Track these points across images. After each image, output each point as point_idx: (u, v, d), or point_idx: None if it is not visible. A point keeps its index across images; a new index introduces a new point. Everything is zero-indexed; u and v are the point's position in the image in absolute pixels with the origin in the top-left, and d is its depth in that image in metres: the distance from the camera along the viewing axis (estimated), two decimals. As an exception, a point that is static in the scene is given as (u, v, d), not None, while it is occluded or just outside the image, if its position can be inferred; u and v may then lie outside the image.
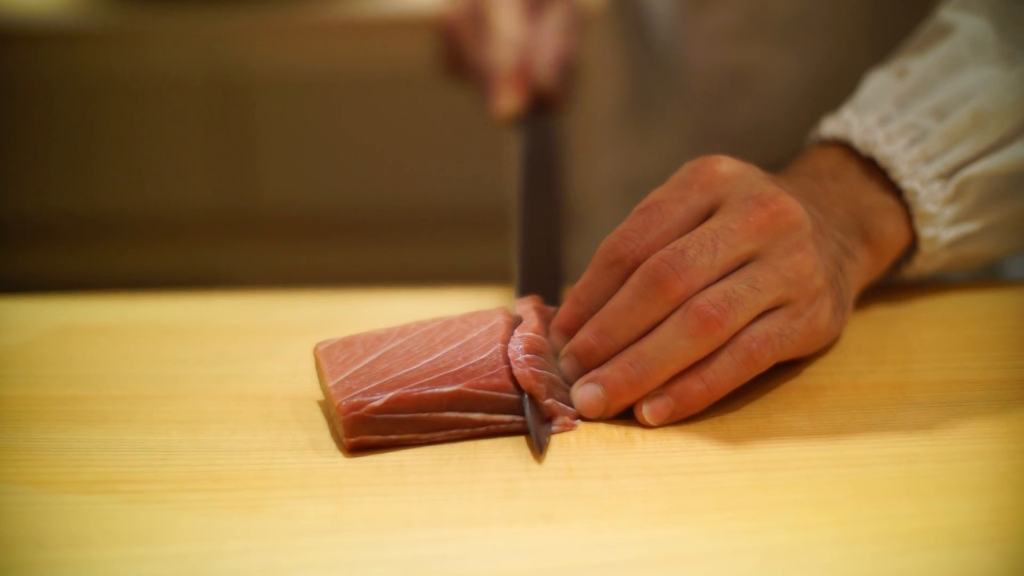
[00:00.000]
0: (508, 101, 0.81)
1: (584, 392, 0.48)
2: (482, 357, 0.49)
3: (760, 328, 0.48)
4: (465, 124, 1.77)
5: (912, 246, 0.58)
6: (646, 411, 0.48)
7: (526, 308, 0.52)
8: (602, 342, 0.49)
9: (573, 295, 0.50)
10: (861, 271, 0.56)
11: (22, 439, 0.49)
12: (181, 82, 1.77)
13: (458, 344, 0.49)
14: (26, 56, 1.76)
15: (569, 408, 0.49)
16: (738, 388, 0.49)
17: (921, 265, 0.59)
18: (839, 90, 0.65)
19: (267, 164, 1.81)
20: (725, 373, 0.48)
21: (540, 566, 0.39)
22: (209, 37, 1.76)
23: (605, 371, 0.48)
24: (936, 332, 0.58)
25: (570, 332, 0.50)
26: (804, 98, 0.77)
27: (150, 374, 0.56)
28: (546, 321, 0.52)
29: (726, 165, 0.51)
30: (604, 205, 0.91)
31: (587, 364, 0.49)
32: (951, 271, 0.61)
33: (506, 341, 0.50)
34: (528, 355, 0.49)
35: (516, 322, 0.52)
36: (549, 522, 0.41)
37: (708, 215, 0.50)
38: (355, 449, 0.47)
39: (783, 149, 0.70)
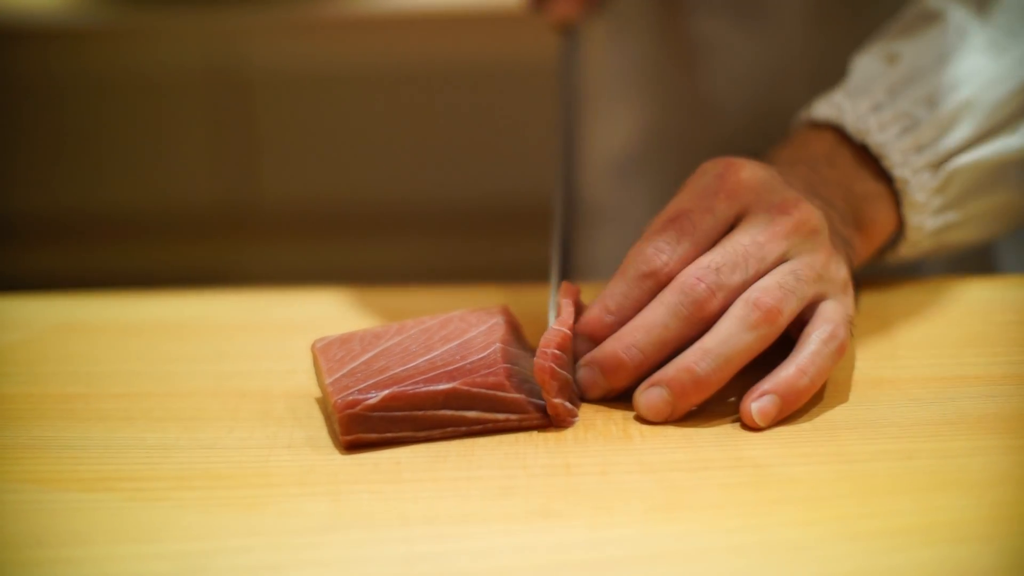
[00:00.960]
0: (569, 9, 0.81)
1: (649, 396, 0.48)
2: (480, 356, 0.49)
3: (837, 312, 0.49)
4: (467, 121, 1.78)
5: (898, 233, 0.59)
6: (755, 412, 0.47)
7: (567, 301, 0.51)
8: (632, 357, 0.49)
9: (603, 304, 0.50)
10: (857, 259, 0.57)
11: (22, 437, 0.49)
12: (183, 79, 1.77)
13: (456, 343, 0.49)
14: (28, 54, 1.76)
15: (574, 410, 0.49)
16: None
17: (905, 252, 0.60)
18: (788, 72, 0.66)
19: (269, 161, 1.81)
20: (823, 363, 0.48)
21: (538, 563, 0.39)
22: (211, 34, 1.76)
23: (669, 373, 0.48)
24: (935, 328, 0.58)
25: (596, 340, 0.50)
26: (756, 76, 0.78)
27: (150, 372, 0.56)
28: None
29: (748, 172, 0.51)
30: (591, 185, 0.91)
31: (611, 377, 0.49)
32: (931, 257, 0.63)
33: (505, 341, 0.50)
34: (556, 351, 0.48)
35: (514, 322, 0.52)
36: (547, 519, 0.41)
37: (734, 223, 0.50)
38: (351, 447, 0.47)
39: (735, 122, 0.71)
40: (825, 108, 0.60)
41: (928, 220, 0.59)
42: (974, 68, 0.58)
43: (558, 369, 0.48)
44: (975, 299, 0.61)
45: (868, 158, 0.58)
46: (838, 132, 0.59)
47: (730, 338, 0.47)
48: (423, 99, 1.77)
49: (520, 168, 1.73)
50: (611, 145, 0.88)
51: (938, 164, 0.58)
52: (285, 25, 1.76)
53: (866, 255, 0.59)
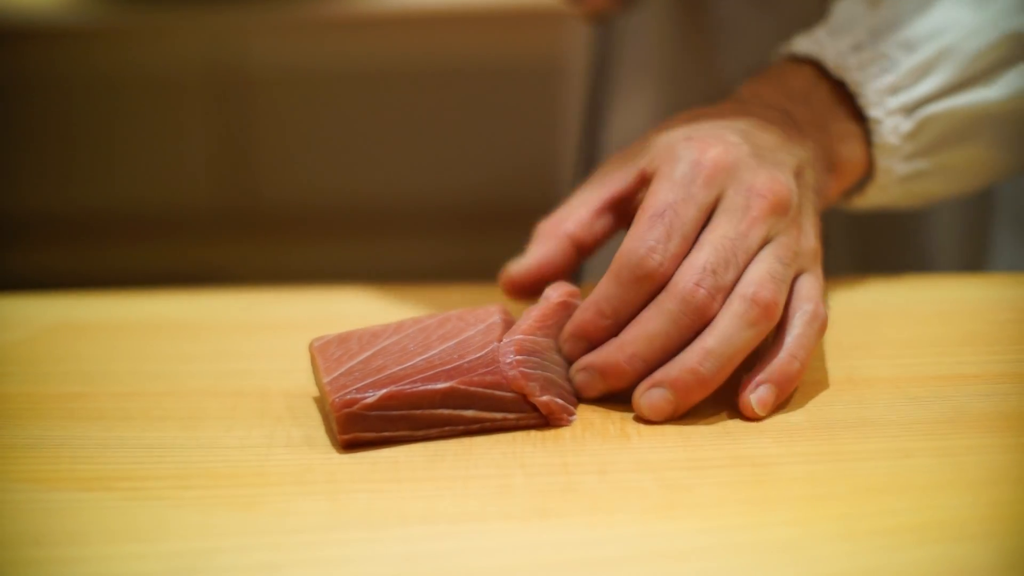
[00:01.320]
0: (605, 0, 0.82)
1: (651, 397, 0.48)
2: (477, 355, 0.48)
3: (814, 288, 0.50)
4: (469, 120, 1.78)
5: (867, 176, 0.60)
6: (755, 403, 0.48)
7: (540, 305, 0.51)
8: (634, 366, 0.48)
9: (596, 307, 0.50)
10: (827, 201, 0.58)
11: (20, 436, 0.49)
12: (180, 79, 1.77)
13: (454, 342, 0.49)
14: (24, 54, 1.76)
15: (568, 406, 0.49)
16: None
17: (873, 196, 0.61)
18: None
19: (266, 161, 1.81)
20: (809, 344, 0.49)
21: (536, 562, 0.39)
22: (208, 34, 1.76)
23: (672, 374, 0.48)
24: (933, 327, 0.58)
25: (592, 342, 0.50)
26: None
27: (148, 371, 0.56)
28: (556, 315, 0.51)
29: (720, 152, 0.51)
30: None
31: (611, 382, 0.49)
32: (900, 206, 0.63)
33: (502, 340, 0.49)
34: (518, 356, 0.48)
35: (512, 321, 0.52)
36: (545, 518, 0.41)
37: (714, 207, 0.51)
38: (349, 446, 0.47)
39: None
40: (806, 44, 0.60)
41: (898, 165, 0.59)
42: (954, 18, 0.59)
43: (530, 371, 0.48)
44: (973, 297, 0.61)
45: (844, 97, 0.59)
46: (817, 68, 0.59)
47: (731, 336, 0.47)
48: (424, 98, 1.77)
49: (521, 166, 1.73)
50: (629, 135, 0.87)
51: (912, 108, 0.59)
52: (286, 24, 1.76)
53: (836, 195, 0.59)
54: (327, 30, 1.77)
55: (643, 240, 0.49)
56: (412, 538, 0.40)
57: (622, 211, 0.56)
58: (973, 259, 0.78)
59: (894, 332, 0.57)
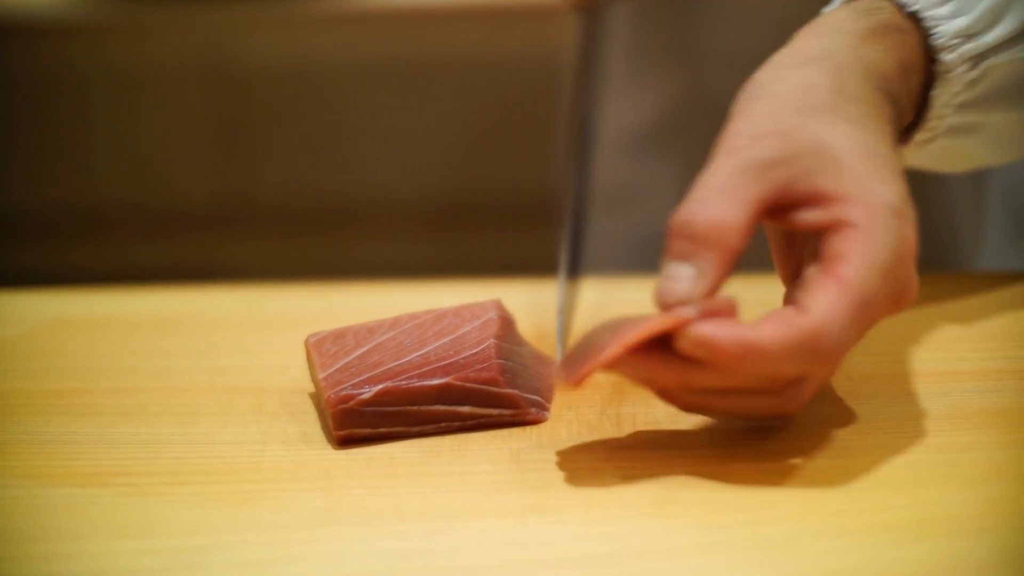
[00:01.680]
0: None
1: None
2: (473, 351, 0.48)
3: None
4: (464, 116, 1.78)
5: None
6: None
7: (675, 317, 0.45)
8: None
9: (759, 353, 0.42)
10: None
11: (17, 432, 0.49)
12: (177, 75, 1.77)
13: (450, 338, 0.49)
14: (21, 50, 1.76)
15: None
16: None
17: (916, 146, 0.56)
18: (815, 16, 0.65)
19: (265, 157, 1.81)
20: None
21: (531, 558, 0.39)
22: (205, 30, 1.76)
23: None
24: (929, 324, 0.58)
25: (713, 365, 0.42)
26: (780, 26, 0.78)
27: (145, 367, 0.56)
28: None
29: (915, 267, 0.45)
30: (605, 167, 0.90)
31: (653, 390, 0.45)
32: (935, 168, 0.60)
33: (499, 336, 0.49)
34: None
35: (508, 317, 0.52)
36: (540, 514, 0.41)
37: None
38: (345, 442, 0.47)
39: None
40: None
41: (951, 115, 0.56)
42: None
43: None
44: (968, 294, 0.61)
45: (912, 33, 0.54)
46: (921, 35, 0.54)
47: (742, 410, 0.45)
48: (419, 94, 1.77)
49: (518, 163, 1.73)
50: (622, 125, 0.87)
51: (980, 57, 0.55)
52: (281, 20, 1.76)
53: None
54: (324, 26, 1.77)
55: (841, 326, 0.42)
56: (408, 534, 0.40)
57: (769, 213, 0.46)
58: (966, 257, 0.78)
59: (889, 328, 0.57)
